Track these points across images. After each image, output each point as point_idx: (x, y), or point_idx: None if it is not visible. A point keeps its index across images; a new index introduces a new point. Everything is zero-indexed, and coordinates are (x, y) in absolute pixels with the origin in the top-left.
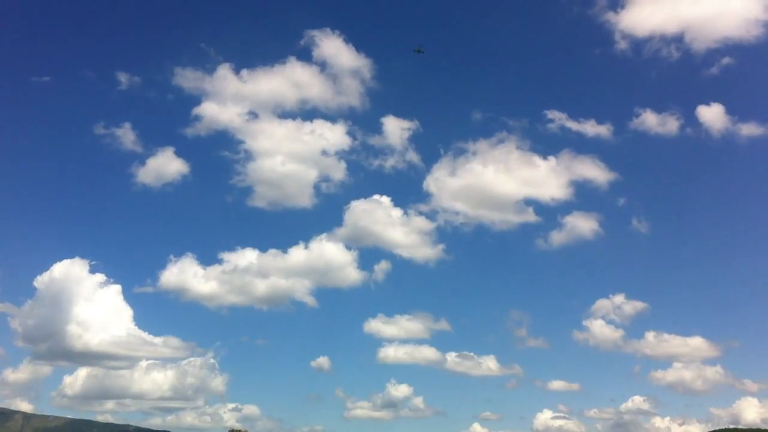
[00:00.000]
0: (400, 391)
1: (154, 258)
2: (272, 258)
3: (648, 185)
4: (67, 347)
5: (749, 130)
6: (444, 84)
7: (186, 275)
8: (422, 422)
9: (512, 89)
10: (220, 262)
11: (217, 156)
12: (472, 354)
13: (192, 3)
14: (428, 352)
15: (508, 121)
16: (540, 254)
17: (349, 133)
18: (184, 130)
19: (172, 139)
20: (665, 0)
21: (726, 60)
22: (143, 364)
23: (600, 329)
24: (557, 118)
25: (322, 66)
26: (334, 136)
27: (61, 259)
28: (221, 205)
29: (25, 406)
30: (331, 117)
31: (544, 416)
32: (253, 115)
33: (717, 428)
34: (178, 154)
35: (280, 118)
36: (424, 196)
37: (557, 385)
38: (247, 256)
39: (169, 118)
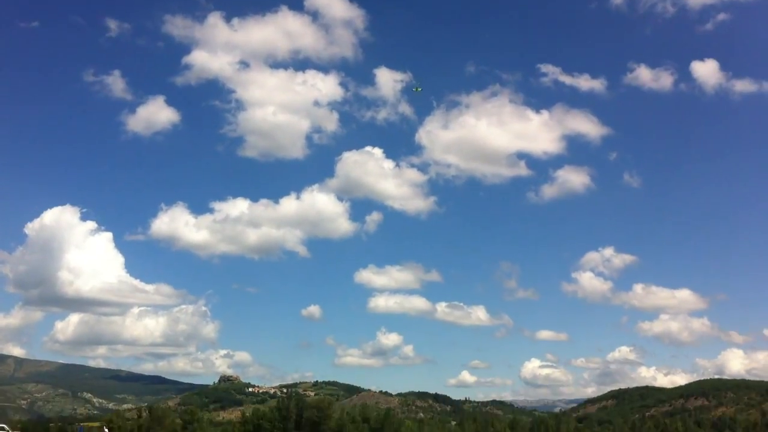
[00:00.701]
0: (390, 339)
1: (145, 206)
2: (263, 208)
3: (640, 140)
4: (59, 293)
5: (743, 86)
6: (438, 36)
7: (177, 224)
8: (412, 370)
9: (506, 42)
10: (211, 211)
11: (208, 105)
12: (461, 304)
13: None
14: (418, 302)
15: (502, 75)
16: (531, 207)
17: (342, 84)
18: (174, 79)
19: (162, 88)
20: None
21: (721, 16)
22: (135, 310)
23: (589, 281)
24: (551, 71)
25: (314, 16)
26: (326, 86)
27: (51, 207)
28: (212, 155)
29: (17, 351)
30: (323, 68)
31: (532, 365)
32: (244, 64)
33: (702, 378)
34: (169, 102)
35: (272, 68)
36: (416, 149)
37: (545, 335)
38: (239, 206)
39: (159, 66)
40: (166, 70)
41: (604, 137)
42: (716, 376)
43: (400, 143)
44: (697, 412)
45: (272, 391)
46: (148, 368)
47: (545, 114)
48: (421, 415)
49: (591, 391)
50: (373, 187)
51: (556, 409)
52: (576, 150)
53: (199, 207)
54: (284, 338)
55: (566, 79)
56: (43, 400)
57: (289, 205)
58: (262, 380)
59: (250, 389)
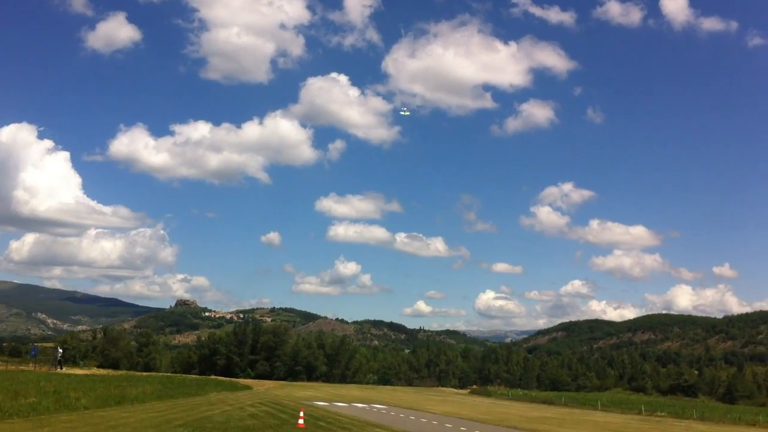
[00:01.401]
0: (348, 268)
1: (104, 126)
2: (225, 132)
3: (606, 76)
4: (13, 212)
5: (711, 24)
6: None
7: (137, 145)
8: (369, 298)
9: None
10: (171, 133)
11: (170, 24)
12: (420, 235)
13: None
14: (378, 232)
15: (471, 3)
16: (494, 140)
17: (309, 7)
18: None
19: (123, 4)
20: None
21: None
22: (92, 232)
23: (546, 215)
24: (521, 2)
25: None
26: (293, 9)
27: (7, 124)
28: (173, 76)
29: None
30: None
31: (487, 296)
32: None
33: (650, 313)
34: (130, 19)
35: None
36: (382, 77)
37: (501, 267)
38: (200, 129)
39: None
40: None
41: (570, 71)
42: (664, 312)
43: (366, 71)
44: (644, 345)
45: (229, 317)
46: (104, 290)
47: (513, 46)
48: (376, 342)
49: (542, 323)
50: (337, 114)
51: (508, 340)
52: (542, 84)
53: (160, 129)
54: (242, 264)
55: (536, 11)
56: None
57: (251, 130)
58: (219, 305)
59: (207, 314)
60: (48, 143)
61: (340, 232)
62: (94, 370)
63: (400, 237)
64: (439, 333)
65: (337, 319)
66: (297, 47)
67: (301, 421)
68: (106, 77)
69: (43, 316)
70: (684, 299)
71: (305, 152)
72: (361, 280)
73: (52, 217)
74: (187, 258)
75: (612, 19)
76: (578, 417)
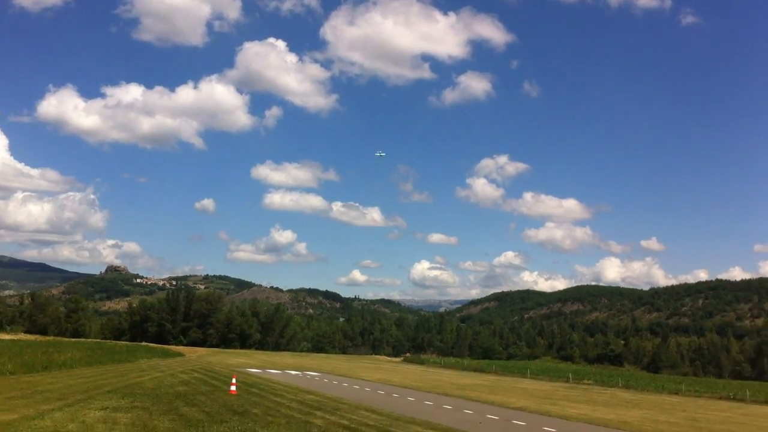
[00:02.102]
0: (284, 236)
1: (32, 87)
2: (158, 96)
3: (543, 49)
4: None
5: (646, 1)
6: None
7: (66, 107)
8: (304, 267)
9: None
10: (102, 95)
11: None
12: (357, 204)
13: None
14: (314, 201)
15: None
16: (432, 111)
17: None
18: None
19: None
20: None
21: None
22: (19, 195)
23: (482, 187)
24: None
25: None
26: None
27: None
28: (105, 36)
29: None
30: None
31: (422, 266)
32: None
33: (580, 284)
34: None
35: None
36: (321, 44)
37: (436, 238)
38: (132, 92)
39: None
40: None
41: (508, 44)
42: (593, 283)
43: (304, 37)
44: (573, 315)
45: (161, 283)
46: (31, 255)
47: (452, 16)
48: (311, 311)
49: (475, 293)
50: (274, 80)
51: (442, 309)
52: (480, 56)
53: (90, 91)
54: (175, 230)
55: None
56: None
57: (185, 94)
58: (151, 272)
59: (139, 280)
60: None
61: (276, 200)
62: (21, 336)
63: (337, 206)
64: (373, 302)
65: (271, 288)
66: (233, 10)
67: (233, 388)
68: (34, 36)
69: None
70: (612, 271)
71: (241, 118)
72: (296, 248)
73: None
74: (118, 223)
75: None
76: (508, 384)
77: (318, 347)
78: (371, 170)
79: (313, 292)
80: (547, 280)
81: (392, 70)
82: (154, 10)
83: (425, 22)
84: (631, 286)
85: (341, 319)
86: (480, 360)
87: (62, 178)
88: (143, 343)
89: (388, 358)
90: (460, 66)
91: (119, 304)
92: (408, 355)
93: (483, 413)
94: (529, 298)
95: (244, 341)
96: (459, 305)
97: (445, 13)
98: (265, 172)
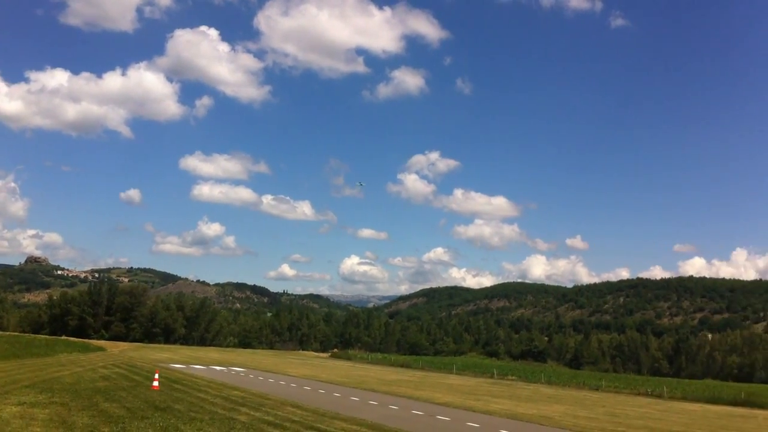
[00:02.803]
0: (212, 229)
1: None
2: (85, 82)
3: (476, 48)
4: None
5: (577, 2)
6: None
7: None
8: (232, 260)
9: None
10: (26, 80)
11: None
12: (288, 198)
13: None
14: (244, 193)
15: None
16: (365, 106)
17: None
18: None
19: None
20: None
21: None
22: None
23: (413, 183)
24: None
25: None
26: None
27: None
28: (30, 18)
29: None
30: None
31: (351, 261)
32: None
33: (507, 281)
34: None
35: None
36: (254, 34)
37: (367, 233)
38: (57, 77)
39: None
40: None
41: (442, 41)
42: (519, 280)
43: (237, 26)
44: (499, 312)
45: (83, 276)
46: None
47: (388, 11)
48: (238, 305)
49: (404, 289)
50: (205, 70)
51: (370, 305)
52: (414, 51)
53: (13, 75)
54: (99, 221)
55: None
56: None
57: (113, 81)
58: (73, 263)
59: (60, 272)
60: None
61: (205, 191)
62: None
63: (267, 199)
64: (302, 297)
65: (198, 281)
66: None
67: (155, 383)
68: None
69: None
70: (538, 269)
71: (170, 107)
72: (224, 241)
73: None
74: (38, 213)
75: None
76: (434, 380)
77: (245, 342)
78: (303, 164)
79: (240, 287)
80: (474, 276)
81: (326, 63)
82: None
83: (360, 15)
84: (556, 284)
85: (269, 314)
86: (407, 356)
87: None
88: (63, 337)
89: (316, 354)
90: (394, 61)
91: (39, 297)
92: (336, 350)
93: (408, 409)
94: (456, 294)
95: (168, 336)
96: (388, 301)
97: (381, 8)
98: (194, 163)
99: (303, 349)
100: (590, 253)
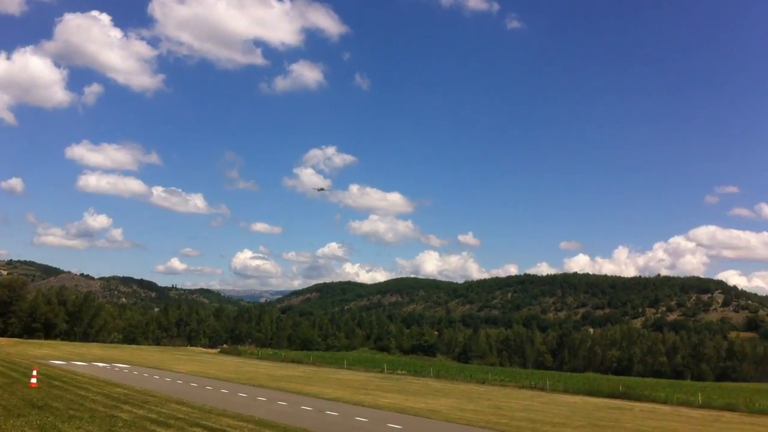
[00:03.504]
0: (98, 221)
1: None
2: None
3: (375, 44)
4: None
5: (475, 3)
6: None
7: None
8: (119, 254)
9: None
10: None
11: None
12: (179, 190)
13: None
14: (134, 185)
15: None
16: (262, 98)
17: None
18: None
19: None
20: None
21: None
22: None
23: (309, 178)
24: None
25: None
26: None
27: None
28: None
29: None
30: None
31: (244, 255)
32: None
33: (400, 276)
34: None
35: None
36: (148, 21)
37: (261, 227)
38: None
39: None
40: None
41: (341, 36)
42: (412, 275)
43: (130, 12)
44: (392, 307)
45: None
46: None
47: (287, 3)
48: (124, 300)
49: (298, 284)
50: (95, 56)
51: (263, 300)
52: (313, 45)
53: None
54: None
55: None
56: None
57: None
58: None
59: None
60: None
61: (92, 182)
62: None
63: (158, 191)
64: (192, 291)
65: (82, 275)
66: None
67: (33, 381)
68: None
69: None
70: (431, 264)
71: (57, 94)
72: (111, 234)
73: None
74: None
75: None
76: (324, 375)
77: (130, 338)
78: (197, 156)
79: (127, 281)
80: (368, 272)
81: (223, 53)
82: None
83: (259, 6)
84: (447, 279)
85: (156, 309)
86: (299, 351)
87: None
88: None
89: (204, 350)
90: (292, 54)
91: None
92: (225, 346)
93: (297, 404)
94: (350, 289)
95: (49, 331)
96: (280, 296)
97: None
98: (80, 152)
99: (191, 345)
100: (481, 249)
